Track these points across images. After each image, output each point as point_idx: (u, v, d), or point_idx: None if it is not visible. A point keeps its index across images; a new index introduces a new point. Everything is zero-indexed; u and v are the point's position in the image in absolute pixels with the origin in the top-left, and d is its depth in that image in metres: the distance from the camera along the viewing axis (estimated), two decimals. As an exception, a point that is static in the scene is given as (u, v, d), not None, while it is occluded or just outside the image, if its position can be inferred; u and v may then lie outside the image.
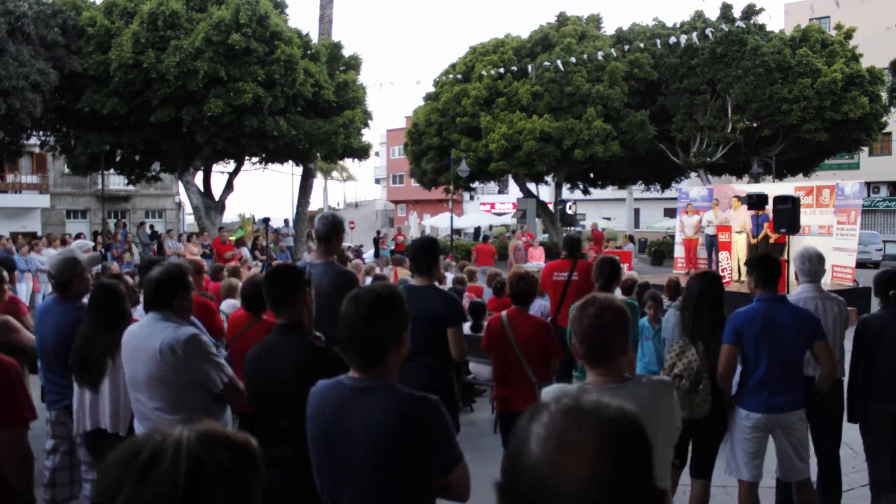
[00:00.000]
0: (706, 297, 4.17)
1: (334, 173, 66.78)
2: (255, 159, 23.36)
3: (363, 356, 2.14)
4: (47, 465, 4.21)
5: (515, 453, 0.97)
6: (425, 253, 4.32)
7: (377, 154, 55.17)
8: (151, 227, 21.99)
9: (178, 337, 3.05)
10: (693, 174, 28.01)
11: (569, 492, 0.91)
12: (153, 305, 3.24)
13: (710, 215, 16.26)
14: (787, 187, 16.41)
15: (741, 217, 15.36)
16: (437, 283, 4.52)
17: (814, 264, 4.43)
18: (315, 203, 50.73)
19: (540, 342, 4.53)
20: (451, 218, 27.88)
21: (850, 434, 4.78)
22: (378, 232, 28.73)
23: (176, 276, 3.29)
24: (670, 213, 34.59)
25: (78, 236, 18.27)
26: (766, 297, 3.96)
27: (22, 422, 2.62)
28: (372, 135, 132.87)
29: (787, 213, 12.39)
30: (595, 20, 27.54)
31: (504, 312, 4.71)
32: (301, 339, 2.83)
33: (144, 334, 3.16)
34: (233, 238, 17.78)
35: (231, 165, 22.97)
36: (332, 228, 4.43)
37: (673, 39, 23.92)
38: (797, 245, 12.76)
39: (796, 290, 4.47)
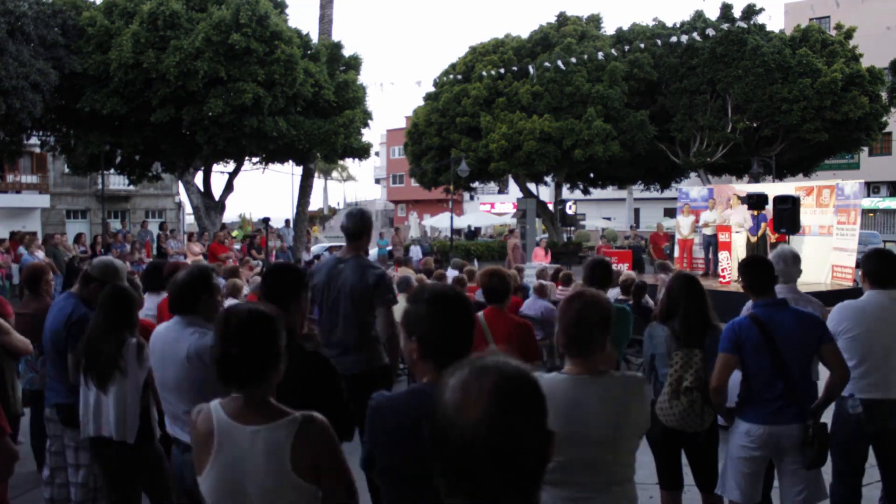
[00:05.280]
0: (682, 300, 3.89)
1: (334, 173, 66.83)
2: (255, 159, 23.37)
3: (447, 357, 2.03)
4: (48, 464, 4.21)
5: (437, 400, 1.23)
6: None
7: (377, 154, 55.17)
8: (143, 223, 21.87)
9: (206, 344, 2.96)
10: (693, 174, 28.01)
11: (467, 430, 1.16)
12: (178, 309, 3.22)
13: (707, 215, 16.20)
14: (787, 187, 16.39)
15: (739, 215, 15.34)
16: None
17: (788, 265, 4.31)
18: (315, 203, 50.64)
19: (520, 343, 4.24)
20: (451, 218, 27.90)
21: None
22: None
23: (201, 279, 3.26)
24: (670, 213, 34.57)
25: (78, 237, 18.29)
26: (764, 303, 3.72)
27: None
28: (372, 135, 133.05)
29: (787, 213, 12.43)
30: (595, 20, 27.55)
31: (481, 313, 4.33)
32: (290, 344, 2.80)
33: (172, 338, 3.13)
34: (235, 235, 17.78)
35: (231, 165, 22.96)
36: (361, 225, 4.33)
37: (673, 39, 23.92)
38: (796, 245, 12.79)
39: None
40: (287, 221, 23.76)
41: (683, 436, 3.86)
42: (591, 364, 2.39)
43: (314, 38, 21.97)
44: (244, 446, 1.99)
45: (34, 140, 21.73)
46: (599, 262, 4.68)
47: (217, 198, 22.44)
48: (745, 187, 18.39)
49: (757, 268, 3.87)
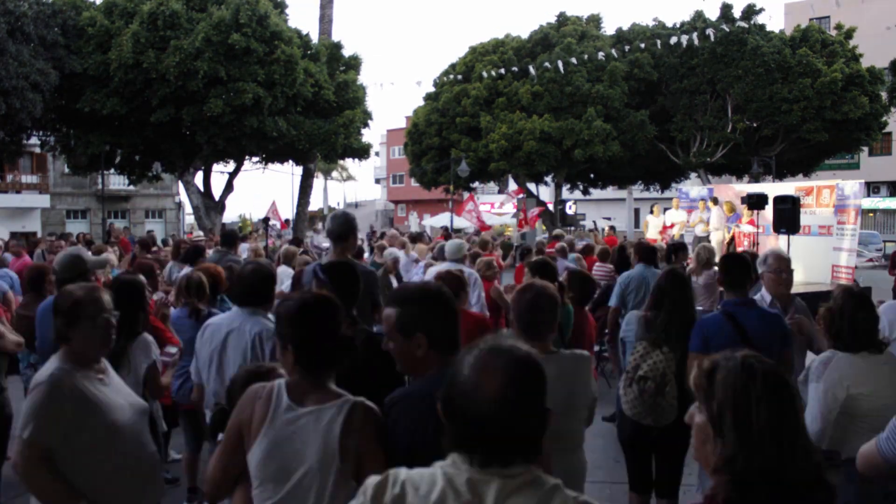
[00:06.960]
0: (669, 295, 3.89)
1: (334, 173, 66.78)
2: (255, 159, 23.37)
3: (451, 345, 2.13)
4: None
5: (453, 374, 1.41)
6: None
7: (377, 154, 55.17)
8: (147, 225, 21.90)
9: (270, 329, 3.31)
10: (693, 174, 28.02)
11: (483, 403, 1.34)
12: (246, 302, 3.50)
13: (674, 215, 16.39)
14: (787, 187, 16.37)
15: (717, 216, 15.35)
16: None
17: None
18: (315, 203, 50.70)
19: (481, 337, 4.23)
20: (451, 218, 27.87)
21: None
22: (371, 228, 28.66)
23: (269, 278, 3.64)
24: (670, 213, 34.54)
25: (83, 237, 18.27)
26: (734, 302, 3.73)
27: None
28: (372, 135, 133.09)
29: (787, 213, 12.41)
30: (595, 20, 27.56)
31: None
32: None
33: (238, 323, 3.46)
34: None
35: (231, 165, 22.97)
36: (346, 227, 4.35)
37: (673, 39, 23.92)
38: (796, 245, 12.77)
39: (752, 291, 4.19)
40: (286, 221, 23.77)
41: (650, 435, 3.76)
42: (544, 345, 2.76)
43: (314, 38, 21.99)
44: (296, 426, 2.03)
45: (34, 140, 21.74)
46: (578, 277, 5.39)
47: (217, 198, 22.45)
48: (745, 187, 18.38)
49: (731, 265, 3.90)
